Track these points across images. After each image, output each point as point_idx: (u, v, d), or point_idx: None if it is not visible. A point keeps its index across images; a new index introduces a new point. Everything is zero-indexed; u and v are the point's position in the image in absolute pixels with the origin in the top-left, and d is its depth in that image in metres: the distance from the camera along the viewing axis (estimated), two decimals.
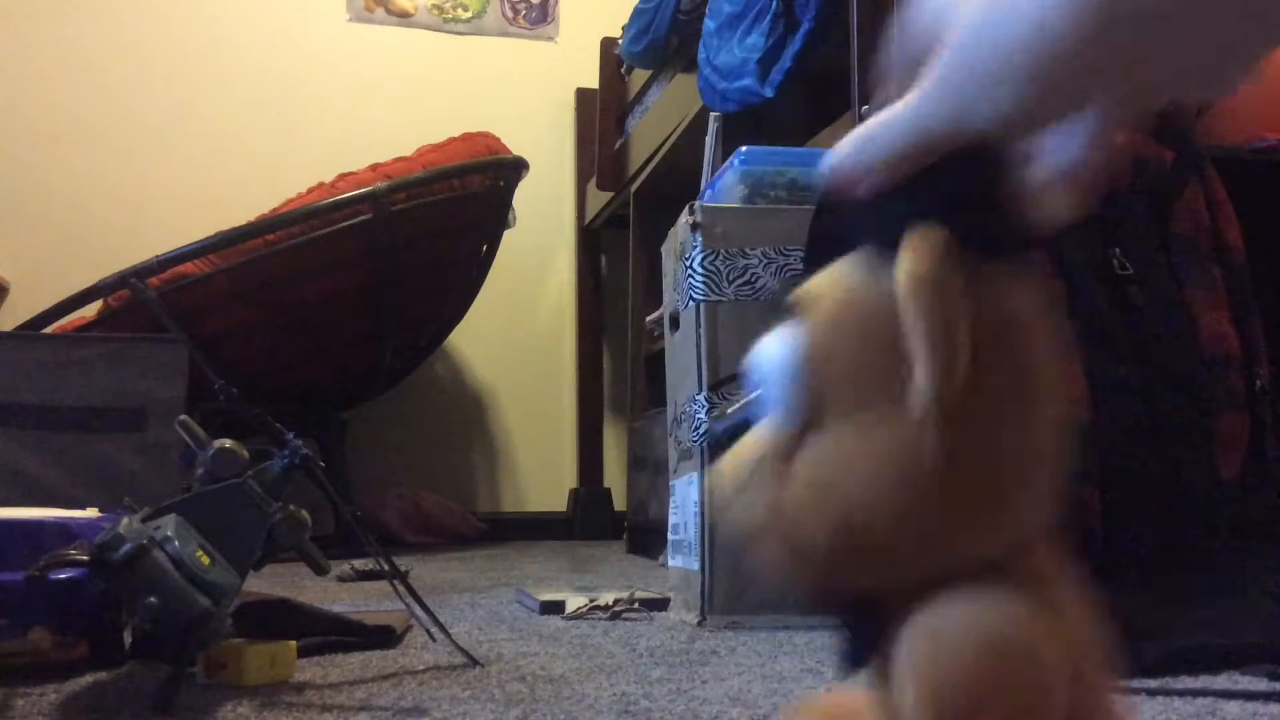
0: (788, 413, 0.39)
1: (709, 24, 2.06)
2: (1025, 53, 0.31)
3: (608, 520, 3.22)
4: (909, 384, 0.35)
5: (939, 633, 0.36)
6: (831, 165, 0.38)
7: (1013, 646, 0.35)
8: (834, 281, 0.39)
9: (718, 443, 0.42)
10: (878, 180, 0.36)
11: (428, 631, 1.13)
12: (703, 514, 1.34)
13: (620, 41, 2.77)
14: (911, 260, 0.35)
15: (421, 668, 1.02)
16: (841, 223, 0.39)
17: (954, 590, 0.36)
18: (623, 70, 3.07)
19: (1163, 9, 0.29)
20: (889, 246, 0.36)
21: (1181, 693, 0.86)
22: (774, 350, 0.40)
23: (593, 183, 3.19)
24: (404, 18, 3.38)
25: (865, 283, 0.38)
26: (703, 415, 1.34)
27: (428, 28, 3.39)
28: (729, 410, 0.39)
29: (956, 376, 0.34)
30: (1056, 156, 0.35)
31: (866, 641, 0.38)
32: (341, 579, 1.88)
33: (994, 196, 0.36)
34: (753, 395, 0.41)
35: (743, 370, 0.40)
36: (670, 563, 1.53)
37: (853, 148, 0.37)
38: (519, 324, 3.38)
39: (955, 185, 0.36)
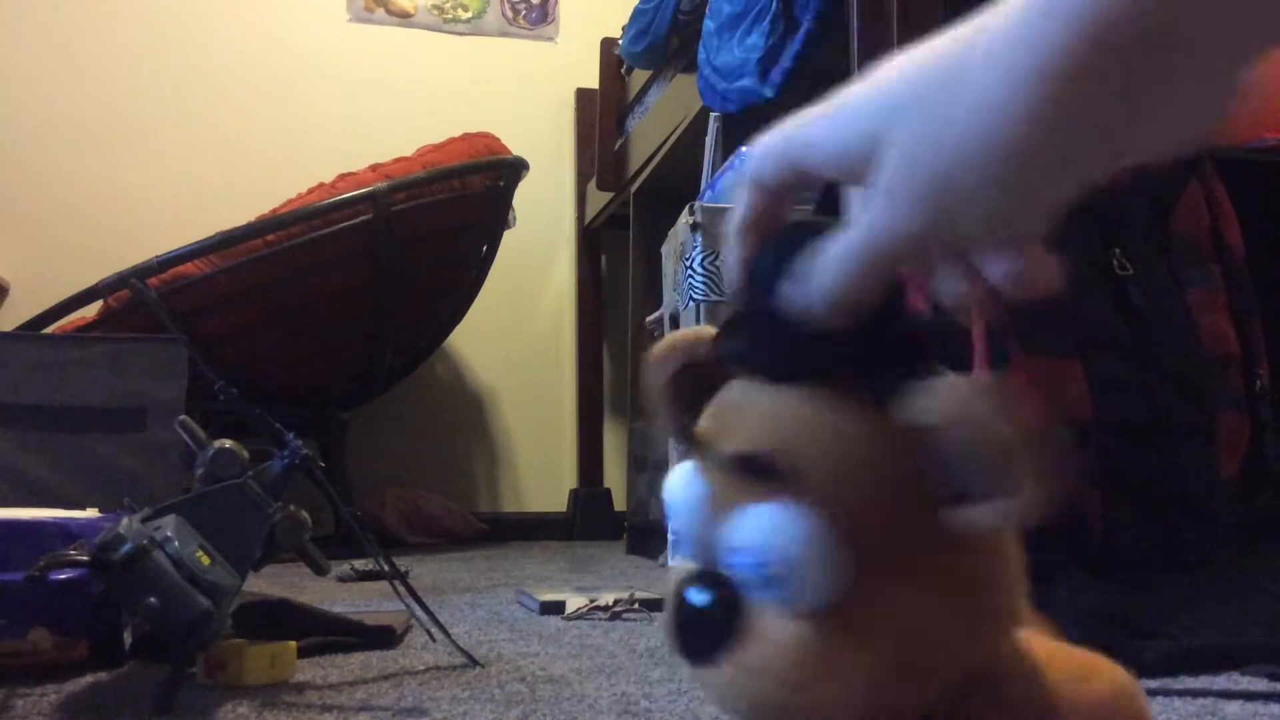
0: (818, 595, 0.34)
1: (709, 24, 2.07)
2: (988, 156, 0.28)
3: (608, 521, 3.22)
4: (964, 515, 0.33)
5: None
6: (791, 300, 0.34)
7: None
8: (823, 433, 0.35)
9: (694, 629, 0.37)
10: (838, 308, 0.34)
11: (428, 632, 1.13)
12: None
13: (620, 42, 2.77)
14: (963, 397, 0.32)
15: (421, 668, 1.02)
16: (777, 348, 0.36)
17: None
18: (623, 70, 3.07)
19: (1137, 74, 0.26)
20: (867, 377, 0.34)
21: (1181, 693, 0.86)
22: (774, 531, 0.35)
23: (593, 183, 3.19)
24: (404, 18, 3.38)
25: (871, 424, 0.34)
26: None
27: (428, 28, 3.39)
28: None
29: (1038, 494, 0.32)
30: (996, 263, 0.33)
31: None
32: (341, 579, 1.88)
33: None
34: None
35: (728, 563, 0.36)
36: (670, 563, 1.53)
37: (807, 278, 0.34)
38: (519, 324, 3.38)
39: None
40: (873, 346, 0.35)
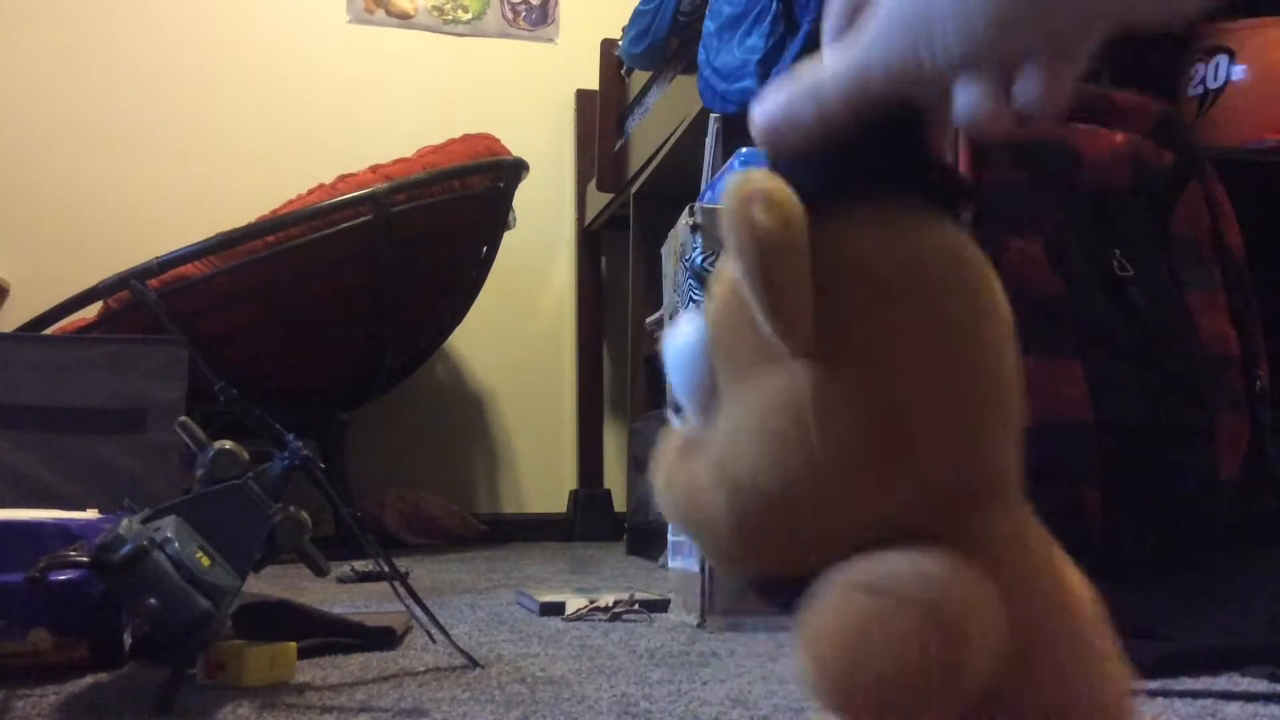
0: (691, 397, 0.37)
1: (709, 25, 2.07)
2: None
3: (608, 522, 3.21)
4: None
5: (834, 594, 0.32)
6: (761, 117, 0.35)
7: (916, 608, 0.31)
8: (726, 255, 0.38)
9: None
10: (810, 133, 0.34)
11: (428, 633, 1.13)
12: None
13: (620, 43, 2.77)
14: (728, 215, 0.32)
15: (421, 669, 1.02)
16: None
17: (866, 553, 0.33)
18: (623, 72, 3.07)
19: None
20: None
21: (1181, 694, 0.86)
22: (675, 338, 0.38)
23: (593, 184, 3.19)
24: (404, 19, 3.38)
25: None
26: None
27: (428, 29, 3.39)
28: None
29: (799, 324, 0.32)
30: (1014, 95, 0.33)
31: None
32: (341, 580, 1.88)
33: (909, 146, 0.35)
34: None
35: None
36: (670, 564, 1.53)
37: (786, 98, 0.35)
38: (519, 325, 3.38)
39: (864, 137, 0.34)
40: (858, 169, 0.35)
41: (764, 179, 0.33)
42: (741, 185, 0.33)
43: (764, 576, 0.38)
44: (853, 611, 0.32)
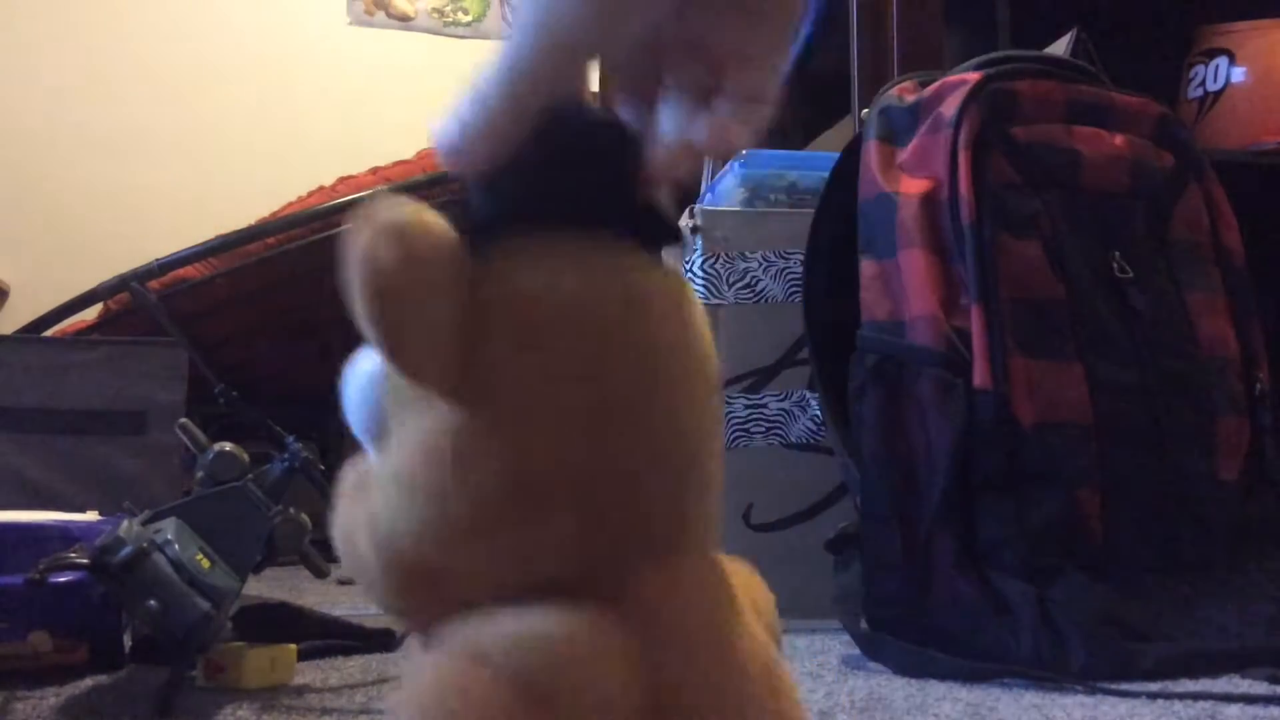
0: (366, 434, 0.35)
1: None
2: None
3: None
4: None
5: (426, 656, 0.31)
6: (437, 131, 0.33)
7: (498, 672, 0.29)
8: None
9: None
10: (486, 147, 0.32)
11: None
12: None
13: None
14: (349, 248, 0.31)
15: None
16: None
17: (482, 611, 0.31)
18: None
19: None
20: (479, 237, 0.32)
21: (1181, 696, 0.85)
22: (355, 369, 0.36)
23: None
24: (404, 21, 3.38)
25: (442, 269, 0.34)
26: None
27: (428, 31, 3.40)
28: None
29: (428, 366, 0.31)
30: (677, 123, 0.32)
31: None
32: (341, 582, 1.88)
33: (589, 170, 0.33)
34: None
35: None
36: None
37: (457, 109, 0.32)
38: None
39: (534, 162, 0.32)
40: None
41: (397, 209, 0.31)
42: (366, 217, 0.31)
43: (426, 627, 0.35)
44: (436, 675, 0.30)
